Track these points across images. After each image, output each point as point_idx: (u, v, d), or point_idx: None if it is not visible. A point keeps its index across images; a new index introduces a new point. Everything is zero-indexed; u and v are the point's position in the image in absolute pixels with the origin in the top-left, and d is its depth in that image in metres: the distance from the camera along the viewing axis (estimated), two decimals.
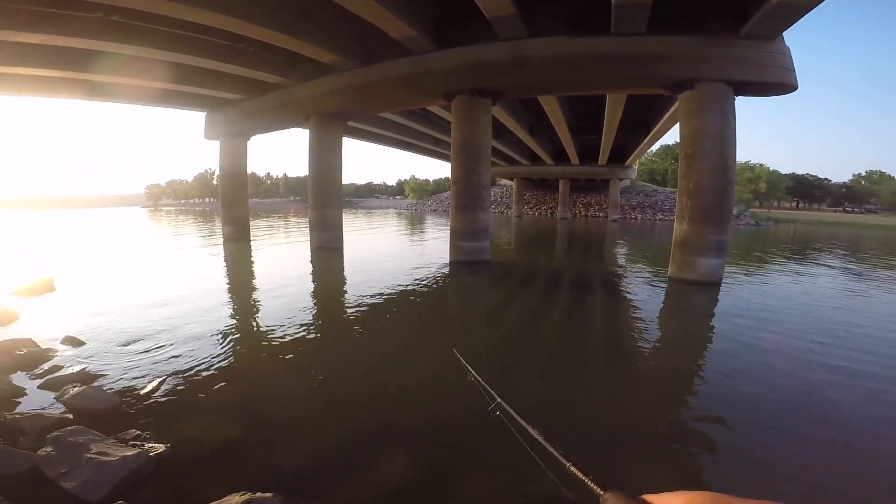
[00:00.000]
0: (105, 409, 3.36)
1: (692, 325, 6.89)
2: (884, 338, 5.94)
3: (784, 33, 8.70)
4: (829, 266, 13.50)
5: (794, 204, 78.47)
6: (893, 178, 73.65)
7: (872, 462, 3.06)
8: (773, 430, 3.44)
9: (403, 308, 7.16)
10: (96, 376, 4.06)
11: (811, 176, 79.05)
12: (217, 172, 18.50)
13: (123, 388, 3.86)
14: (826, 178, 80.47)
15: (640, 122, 21.33)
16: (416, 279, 9.33)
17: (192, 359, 4.59)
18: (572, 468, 0.82)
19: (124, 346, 4.95)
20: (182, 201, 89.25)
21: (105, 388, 3.78)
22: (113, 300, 7.25)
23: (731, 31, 8.50)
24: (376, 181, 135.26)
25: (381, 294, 7.81)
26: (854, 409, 3.81)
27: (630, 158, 31.28)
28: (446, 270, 10.55)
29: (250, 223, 18.31)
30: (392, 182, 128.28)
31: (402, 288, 8.41)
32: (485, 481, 2.70)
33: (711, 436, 3.38)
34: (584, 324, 6.86)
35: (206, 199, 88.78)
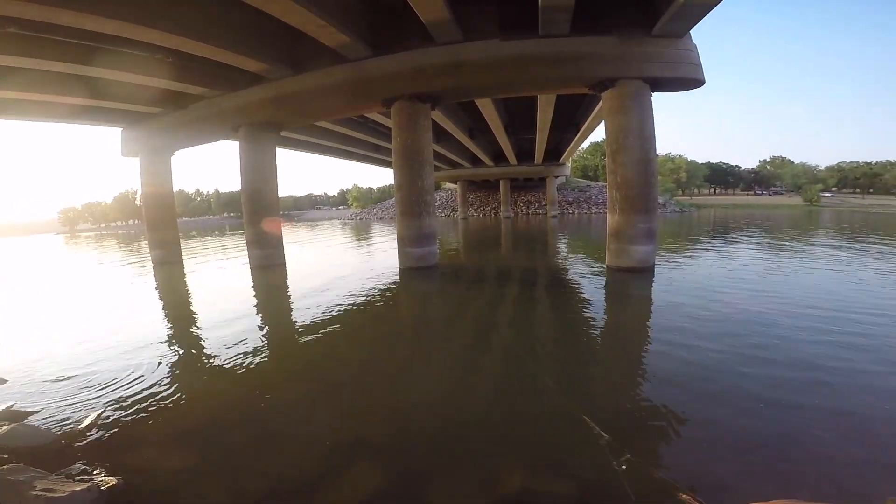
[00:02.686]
0: (43, 446, 3.12)
1: (634, 308, 7.44)
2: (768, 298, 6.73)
3: (692, 32, 9.45)
4: (746, 244, 14.99)
5: (712, 190, 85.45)
6: (793, 162, 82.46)
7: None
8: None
9: (356, 322, 6.98)
10: (27, 413, 3.73)
11: (724, 164, 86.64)
12: (139, 192, 17.16)
13: (59, 423, 3.58)
14: (737, 165, 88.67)
15: (570, 120, 22.49)
16: (367, 291, 9.16)
17: (129, 390, 4.31)
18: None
19: (51, 381, 4.55)
20: (102, 225, 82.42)
21: (39, 425, 3.49)
22: (33, 336, 6.64)
23: (645, 30, 9.12)
24: (317, 192, 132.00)
25: (332, 310, 7.57)
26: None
27: (563, 156, 32.84)
28: (397, 278, 10.51)
29: (181, 244, 17.25)
30: (334, 192, 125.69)
31: (353, 302, 8.21)
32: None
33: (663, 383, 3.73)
34: (538, 316, 7.16)
35: (130, 222, 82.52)
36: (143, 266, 15.36)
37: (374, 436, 3.34)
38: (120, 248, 27.06)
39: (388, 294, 8.90)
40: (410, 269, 11.12)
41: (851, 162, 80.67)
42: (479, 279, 10.40)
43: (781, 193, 77.51)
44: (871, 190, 76.86)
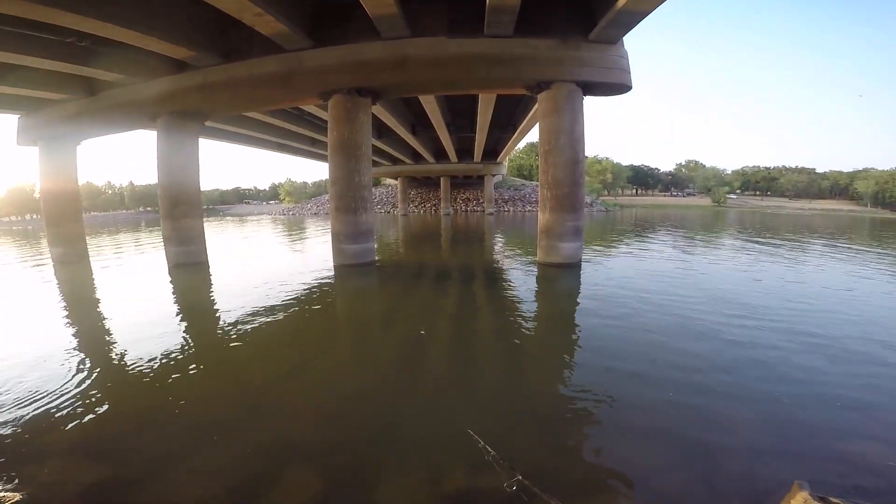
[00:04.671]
0: None
1: (562, 301, 7.81)
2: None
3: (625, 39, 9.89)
4: (663, 241, 16.27)
5: (634, 191, 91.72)
6: (705, 166, 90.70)
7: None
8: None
9: (285, 324, 6.57)
10: None
11: (646, 166, 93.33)
12: (39, 184, 15.31)
13: None
14: (657, 168, 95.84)
15: (509, 120, 23.11)
16: (298, 290, 8.74)
17: (28, 402, 3.84)
18: None
19: None
20: None
21: None
22: None
23: (582, 35, 9.47)
24: (245, 185, 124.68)
25: (259, 312, 7.05)
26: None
27: (501, 155, 33.69)
28: (332, 276, 10.15)
29: (88, 241, 15.60)
30: (265, 186, 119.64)
31: (282, 302, 7.77)
32: None
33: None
34: (473, 311, 7.27)
35: (27, 217, 73.49)
36: (41, 266, 13.67)
37: (301, 441, 3.23)
38: (14, 244, 23.92)
39: (320, 293, 8.56)
40: (346, 267, 10.83)
41: (753, 167, 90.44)
42: (417, 276, 10.38)
43: (694, 195, 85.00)
44: (768, 192, 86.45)
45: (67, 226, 14.47)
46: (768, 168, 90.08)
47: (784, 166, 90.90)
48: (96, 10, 7.48)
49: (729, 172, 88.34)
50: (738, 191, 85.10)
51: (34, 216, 70.24)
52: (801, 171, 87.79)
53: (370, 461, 2.96)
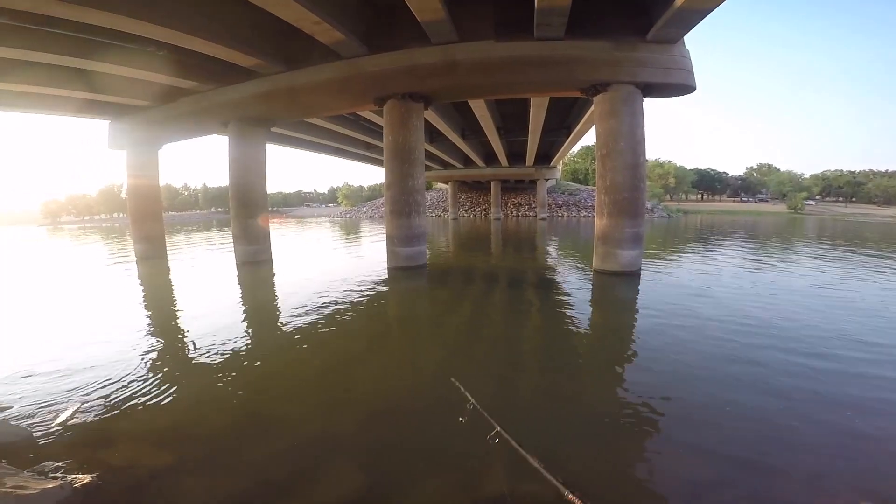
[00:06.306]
0: (15, 443, 3.05)
1: (619, 312, 7.55)
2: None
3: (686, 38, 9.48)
4: (730, 251, 15.22)
5: (699, 196, 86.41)
6: (779, 170, 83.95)
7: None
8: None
9: (342, 321, 6.86)
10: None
11: (712, 170, 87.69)
12: (125, 185, 16.93)
13: (33, 419, 3.51)
14: (725, 172, 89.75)
15: (562, 123, 22.61)
16: (354, 289, 9.09)
17: (107, 386, 4.24)
18: (570, 496, 0.87)
19: (26, 376, 4.47)
20: (86, 218, 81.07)
21: (10, 421, 3.41)
22: (7, 330, 6.48)
23: (639, 35, 9.14)
24: (306, 189, 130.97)
25: (318, 308, 7.46)
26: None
27: (554, 159, 32.99)
28: (385, 278, 10.43)
29: (167, 238, 17.04)
30: (324, 189, 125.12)
31: (339, 300, 8.13)
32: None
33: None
34: (526, 317, 7.16)
35: (115, 215, 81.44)
36: (126, 261, 15.08)
37: (355, 431, 3.35)
38: (104, 240, 26.54)
39: (375, 293, 8.81)
40: (399, 269, 11.06)
41: (835, 170, 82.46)
42: (468, 280, 10.37)
43: (766, 201, 78.87)
44: (853, 199, 78.57)
45: (149, 224, 15.86)
46: (853, 172, 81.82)
47: (871, 170, 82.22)
48: (173, 21, 8.14)
49: (807, 177, 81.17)
50: (817, 197, 77.94)
51: (121, 215, 77.67)
52: (893, 175, 78.94)
53: (408, 460, 3.00)
